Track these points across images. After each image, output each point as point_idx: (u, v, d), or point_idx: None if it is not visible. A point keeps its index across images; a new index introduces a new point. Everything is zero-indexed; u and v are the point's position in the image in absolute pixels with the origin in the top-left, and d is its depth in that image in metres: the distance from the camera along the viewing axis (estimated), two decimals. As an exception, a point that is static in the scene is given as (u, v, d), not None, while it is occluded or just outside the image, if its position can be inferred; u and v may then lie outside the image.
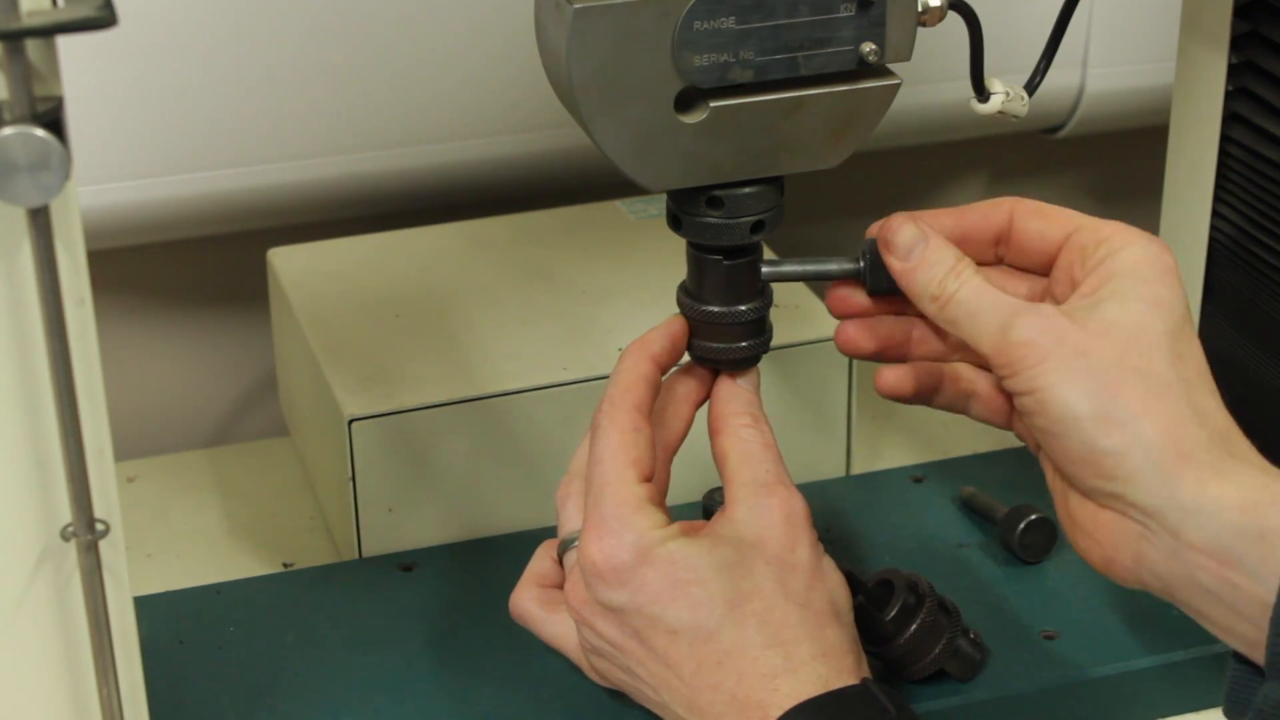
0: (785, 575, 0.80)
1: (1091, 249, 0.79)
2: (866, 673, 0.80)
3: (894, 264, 0.81)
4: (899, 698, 0.78)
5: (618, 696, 0.88)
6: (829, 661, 0.79)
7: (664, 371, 0.85)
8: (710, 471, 0.90)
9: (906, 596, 0.87)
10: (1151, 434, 0.74)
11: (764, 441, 0.83)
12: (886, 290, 0.82)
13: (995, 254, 0.83)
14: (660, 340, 0.85)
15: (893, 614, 0.87)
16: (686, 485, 0.95)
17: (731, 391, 0.85)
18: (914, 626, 0.87)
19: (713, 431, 0.85)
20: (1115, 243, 0.78)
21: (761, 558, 0.80)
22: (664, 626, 0.79)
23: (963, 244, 0.81)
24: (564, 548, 0.86)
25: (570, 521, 0.86)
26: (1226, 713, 0.75)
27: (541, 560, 0.89)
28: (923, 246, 0.80)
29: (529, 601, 0.88)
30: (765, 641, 0.79)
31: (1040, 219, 0.81)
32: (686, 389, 0.86)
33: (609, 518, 0.81)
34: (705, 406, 0.87)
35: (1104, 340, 0.75)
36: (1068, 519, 0.78)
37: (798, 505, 0.82)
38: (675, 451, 0.86)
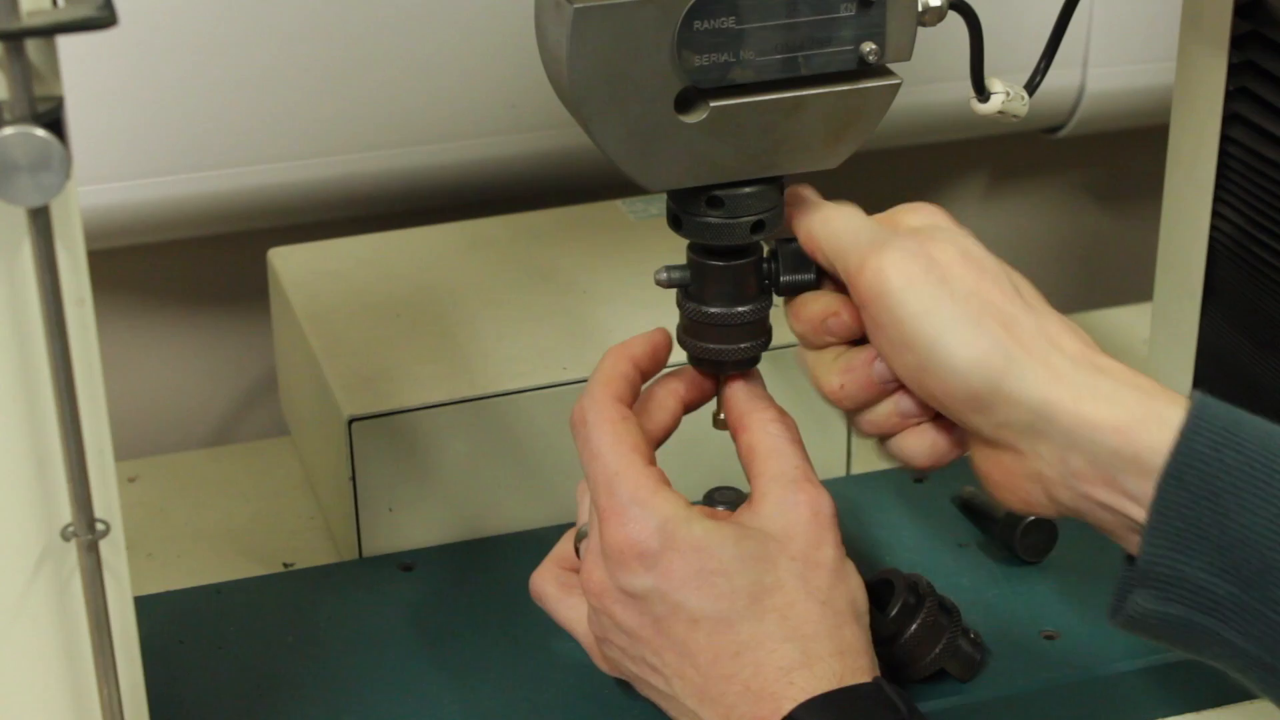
0: (809, 572, 0.80)
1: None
2: (878, 674, 0.80)
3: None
4: (910, 699, 0.78)
5: (620, 694, 0.88)
6: (845, 660, 0.79)
7: (645, 377, 0.86)
8: (710, 472, 0.90)
9: (906, 596, 0.87)
10: (1022, 357, 0.76)
11: (791, 437, 0.84)
12: (795, 290, 0.84)
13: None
14: (641, 344, 0.85)
15: (893, 614, 0.87)
16: (686, 485, 0.95)
17: (750, 390, 0.86)
18: (914, 626, 0.87)
19: (737, 429, 0.85)
20: (859, 267, 0.79)
21: (786, 554, 0.80)
22: (685, 614, 0.79)
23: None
24: (580, 536, 0.86)
25: (587, 512, 0.86)
26: (1109, 615, 0.77)
27: (565, 545, 0.89)
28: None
29: (548, 582, 0.88)
30: (784, 635, 0.79)
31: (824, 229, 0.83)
32: (674, 386, 0.87)
33: (629, 502, 0.80)
34: (702, 409, 0.88)
35: (965, 266, 0.78)
36: (982, 475, 0.80)
37: (825, 504, 0.82)
38: (658, 446, 0.86)
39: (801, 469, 0.83)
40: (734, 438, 0.85)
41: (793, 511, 0.81)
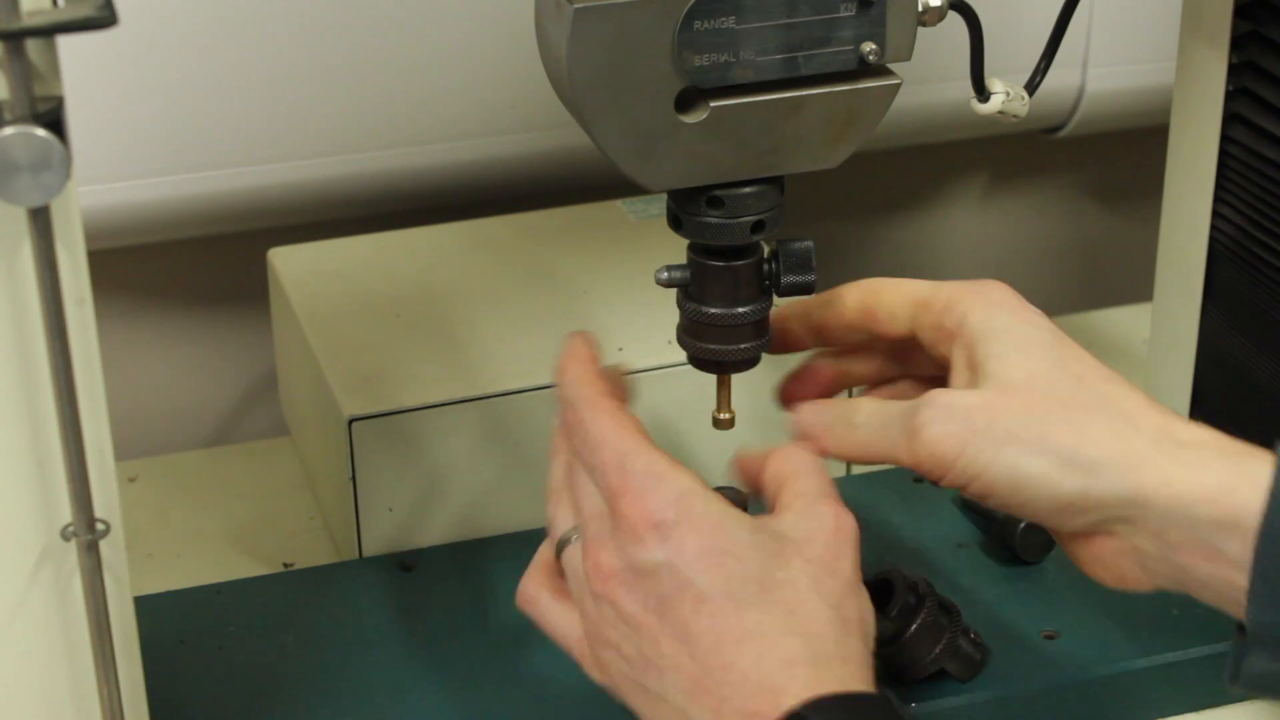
0: (823, 576, 0.79)
1: (941, 318, 0.81)
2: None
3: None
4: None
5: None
6: (849, 668, 0.77)
7: None
8: (709, 472, 0.90)
9: (906, 596, 0.87)
10: (1101, 458, 0.75)
11: (821, 466, 0.84)
12: (795, 291, 0.84)
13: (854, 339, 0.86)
14: (582, 346, 0.85)
15: (893, 614, 0.87)
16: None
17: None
18: (914, 626, 0.87)
19: (767, 453, 0.85)
20: (960, 306, 0.80)
21: (801, 556, 0.79)
22: (694, 592, 0.78)
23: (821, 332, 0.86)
24: (561, 545, 0.84)
25: (565, 523, 0.85)
26: (1228, 679, 0.77)
27: (547, 552, 0.88)
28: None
29: (539, 588, 0.86)
30: (790, 629, 0.77)
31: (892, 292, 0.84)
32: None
33: (646, 476, 0.79)
34: (702, 409, 0.87)
35: (1008, 399, 0.77)
36: (1072, 554, 0.80)
37: (849, 522, 0.81)
38: None
39: (830, 491, 0.82)
40: (759, 472, 0.85)
41: (815, 521, 0.80)
